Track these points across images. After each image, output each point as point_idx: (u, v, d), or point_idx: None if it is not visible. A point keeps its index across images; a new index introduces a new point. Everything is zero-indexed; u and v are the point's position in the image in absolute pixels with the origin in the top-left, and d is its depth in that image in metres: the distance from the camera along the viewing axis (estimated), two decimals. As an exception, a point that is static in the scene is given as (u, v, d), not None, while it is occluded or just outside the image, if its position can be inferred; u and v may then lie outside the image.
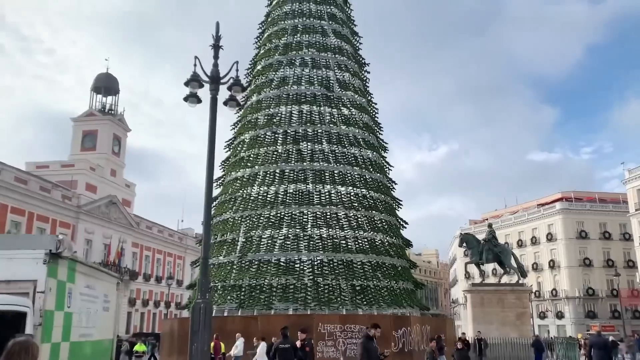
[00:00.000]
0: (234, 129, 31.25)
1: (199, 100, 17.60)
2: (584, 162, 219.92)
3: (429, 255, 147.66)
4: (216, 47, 17.85)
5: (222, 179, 30.23)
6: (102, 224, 62.28)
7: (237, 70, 17.64)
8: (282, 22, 32.00)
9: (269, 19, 33.18)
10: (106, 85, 72.08)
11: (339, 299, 24.54)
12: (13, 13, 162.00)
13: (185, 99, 17.70)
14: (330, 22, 32.09)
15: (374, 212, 27.80)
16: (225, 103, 17.87)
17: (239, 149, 29.66)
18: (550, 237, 72.94)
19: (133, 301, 65.23)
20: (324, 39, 31.11)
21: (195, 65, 17.50)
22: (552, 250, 72.92)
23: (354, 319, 23.03)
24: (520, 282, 35.71)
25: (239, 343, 20.25)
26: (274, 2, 33.59)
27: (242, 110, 31.46)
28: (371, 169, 29.10)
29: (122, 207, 66.00)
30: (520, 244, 76.71)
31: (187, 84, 17.28)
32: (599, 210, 73.74)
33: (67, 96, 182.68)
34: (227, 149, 30.96)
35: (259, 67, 31.57)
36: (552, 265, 71.86)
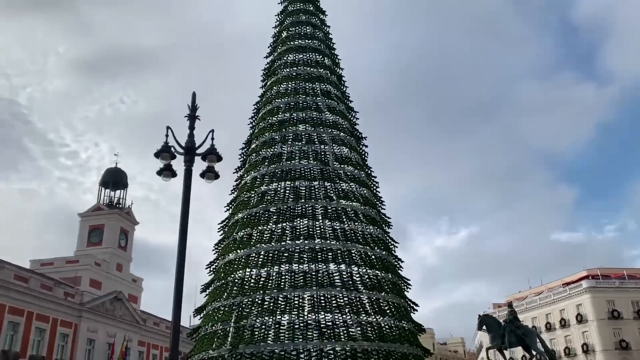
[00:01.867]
0: (228, 210, 29.78)
1: (173, 174, 16.22)
2: (609, 241, 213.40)
3: (455, 344, 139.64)
4: (192, 117, 16.77)
5: (215, 263, 28.28)
6: (106, 321, 59.51)
7: (212, 139, 16.41)
8: (276, 101, 31.56)
9: (263, 99, 32.83)
10: (115, 179, 72.27)
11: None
12: (41, 120, 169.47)
13: (159, 173, 16.34)
14: (325, 99, 31.57)
15: (379, 293, 25.36)
16: (202, 175, 16.46)
17: (232, 230, 27.98)
18: (580, 319, 68.04)
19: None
20: (318, 114, 30.41)
21: (167, 135, 16.32)
22: (584, 332, 67.73)
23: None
24: (550, 367, 31.89)
25: None
26: (268, 82, 33.41)
27: (237, 191, 30.21)
28: (374, 246, 27.00)
29: (128, 303, 63.44)
30: (549, 327, 71.59)
31: (157, 155, 15.97)
32: (630, 287, 69.29)
33: (88, 196, 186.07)
34: (221, 231, 29.31)
35: (252, 146, 30.69)
36: (586, 349, 66.36)
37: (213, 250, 28.56)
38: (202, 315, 26.56)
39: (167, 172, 16.07)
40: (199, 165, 15.99)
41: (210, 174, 16.37)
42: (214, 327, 25.00)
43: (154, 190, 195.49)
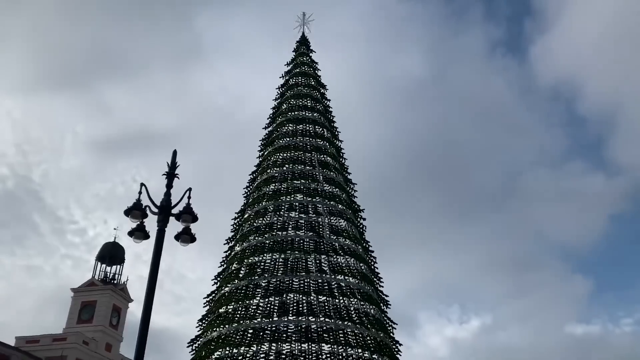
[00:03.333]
0: (215, 282, 27.95)
1: (146, 236, 14.83)
2: (627, 334, 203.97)
3: None
4: (170, 175, 15.62)
5: (198, 340, 26.01)
6: (89, 406, 55.73)
7: (189, 197, 15.17)
8: (272, 170, 30.61)
9: (259, 169, 31.94)
10: (111, 254, 70.31)
11: None
12: (51, 196, 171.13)
13: (130, 234, 14.96)
14: (322, 169, 30.59)
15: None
16: (176, 237, 15.08)
17: (217, 305, 26.02)
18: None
19: None
20: (314, 185, 29.27)
21: (140, 192, 15.12)
22: None
23: None
24: None
25: None
26: (265, 153, 32.68)
27: (227, 262, 28.55)
28: (368, 325, 24.79)
29: (115, 390, 59.62)
30: None
31: (127, 213, 14.69)
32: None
33: (91, 274, 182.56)
34: (206, 304, 27.30)
35: (245, 216, 29.36)
36: None
37: (197, 326, 26.48)
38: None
39: (138, 233, 14.70)
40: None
41: (185, 237, 14.99)
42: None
43: (160, 270, 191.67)
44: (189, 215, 14.73)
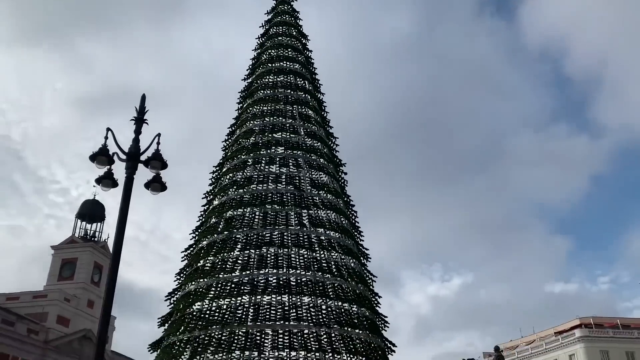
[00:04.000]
0: (194, 236, 27.47)
1: (114, 184, 14.15)
2: (603, 292, 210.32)
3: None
4: (139, 120, 14.81)
5: (176, 294, 25.71)
6: (72, 362, 55.85)
7: (158, 143, 14.45)
8: (251, 122, 29.77)
9: (238, 122, 31.06)
10: (91, 212, 69.30)
11: None
12: (32, 155, 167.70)
13: (98, 182, 14.26)
14: (303, 122, 29.84)
15: (352, 330, 22.88)
16: (146, 186, 14.41)
17: (195, 258, 25.64)
18: (573, 369, 64.83)
19: None
20: (294, 137, 28.57)
21: (106, 137, 14.38)
22: (578, 384, 64.40)
23: None
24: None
25: None
26: (244, 105, 31.73)
27: (205, 216, 28.03)
28: (348, 278, 24.67)
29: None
30: (541, 378, 68.19)
31: (93, 158, 13.93)
32: (625, 337, 66.39)
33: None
34: (184, 258, 26.87)
35: (224, 170, 28.67)
36: (581, 402, 62.87)
37: (174, 279, 26.13)
38: (158, 350, 23.90)
39: (106, 180, 14.04)
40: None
41: (155, 185, 14.36)
42: (166, 365, 22.35)
43: (145, 230, 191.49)
44: (158, 161, 14.09)
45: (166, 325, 24.72)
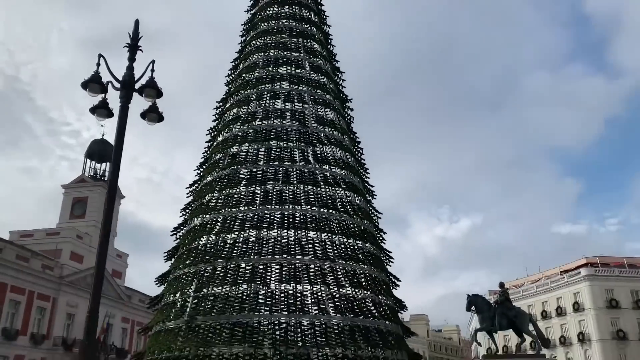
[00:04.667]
0: (198, 173, 27.33)
1: (109, 114, 13.76)
2: (611, 234, 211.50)
3: (449, 331, 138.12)
4: (133, 47, 14.18)
5: (181, 229, 25.87)
6: (87, 296, 57.41)
7: (152, 70, 13.94)
8: (255, 56, 28.87)
9: (241, 55, 30.15)
10: (100, 151, 69.61)
11: (306, 373, 19.33)
12: (42, 97, 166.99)
13: (92, 111, 13.86)
14: (309, 56, 28.87)
15: (355, 264, 22.99)
16: (142, 116, 14.02)
17: (200, 194, 25.58)
18: (577, 307, 65.86)
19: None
20: (299, 71, 27.71)
21: (98, 64, 13.86)
22: (580, 321, 65.61)
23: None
24: (541, 352, 29.66)
25: None
26: (247, 38, 30.70)
27: (209, 152, 27.75)
28: (353, 214, 24.56)
29: (112, 278, 61.41)
30: (545, 315, 69.48)
31: (84, 86, 13.45)
32: (630, 276, 67.01)
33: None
34: (189, 194, 26.86)
35: (227, 105, 28.11)
36: (582, 338, 64.27)
37: (180, 214, 26.23)
38: (164, 284, 24.31)
39: (101, 110, 13.64)
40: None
41: (152, 115, 13.94)
42: (173, 297, 22.74)
43: (158, 172, 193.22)
44: (152, 89, 13.60)
45: (172, 259, 25.01)
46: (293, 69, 27.69)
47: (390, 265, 26.28)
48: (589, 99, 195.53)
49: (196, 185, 26.88)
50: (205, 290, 21.49)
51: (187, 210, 26.08)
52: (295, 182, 23.73)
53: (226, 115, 27.65)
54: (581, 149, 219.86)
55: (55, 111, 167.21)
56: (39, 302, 50.92)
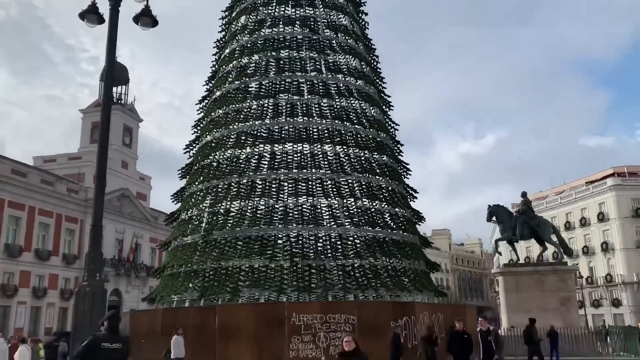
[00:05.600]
0: (208, 86, 26.40)
1: (100, 20, 12.88)
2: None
3: (472, 244, 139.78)
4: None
5: (194, 146, 25.43)
6: (113, 218, 59.21)
7: (147, -30, 12.88)
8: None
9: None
10: (114, 74, 68.56)
11: (322, 283, 19.35)
12: (58, 23, 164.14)
13: (82, 17, 12.98)
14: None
15: (371, 176, 22.40)
16: (135, 20, 13.09)
17: (210, 109, 24.85)
18: (602, 217, 65.19)
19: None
20: (307, -27, 25.77)
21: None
22: (604, 231, 65.19)
23: (339, 307, 17.80)
24: (563, 260, 29.44)
25: (177, 341, 15.52)
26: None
27: (218, 64, 26.66)
28: (368, 126, 23.64)
29: (136, 200, 62.63)
30: (568, 226, 69.15)
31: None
32: (658, 185, 65.53)
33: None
34: (200, 110, 26.16)
35: (234, 14, 26.59)
36: (606, 248, 64.18)
37: (192, 131, 25.71)
38: (180, 200, 24.27)
39: (91, 15, 12.77)
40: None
41: (145, 19, 13.01)
42: (189, 213, 22.71)
43: (177, 96, 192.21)
44: (141, -9, 12.58)
45: (187, 177, 24.80)
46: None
47: (408, 178, 25.69)
48: (623, 7, 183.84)
49: (206, 100, 26.07)
50: (220, 205, 21.31)
51: (199, 127, 25.48)
52: (306, 93, 22.73)
53: (233, 25, 26.23)
54: (613, 60, 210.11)
55: (72, 38, 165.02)
56: (67, 225, 52.55)
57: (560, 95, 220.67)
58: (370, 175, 22.37)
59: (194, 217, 22.19)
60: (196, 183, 22.73)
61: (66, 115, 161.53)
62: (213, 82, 26.06)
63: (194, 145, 25.19)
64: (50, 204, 49.64)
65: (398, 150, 25.83)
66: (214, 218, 21.18)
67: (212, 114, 24.23)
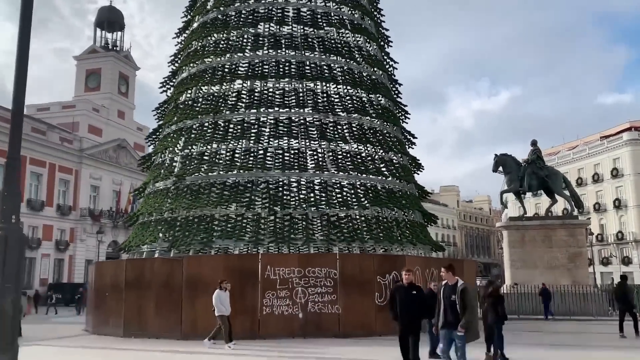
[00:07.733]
0: (186, 16, 23.83)
1: None
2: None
3: (480, 201, 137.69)
4: None
5: (170, 82, 23.08)
6: (110, 169, 57.68)
7: None
8: None
9: None
10: (109, 19, 65.58)
11: (304, 233, 17.39)
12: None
13: None
14: None
15: (362, 117, 20.06)
16: None
17: (187, 41, 22.37)
18: (615, 173, 62.52)
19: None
20: None
21: None
22: (617, 188, 62.64)
23: (319, 260, 15.87)
24: (574, 214, 27.22)
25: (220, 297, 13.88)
26: None
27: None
28: (362, 62, 21.10)
29: (134, 151, 60.80)
30: (580, 182, 66.57)
31: None
32: (677, 140, 62.39)
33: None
34: (177, 43, 23.67)
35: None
36: (618, 204, 61.76)
37: (168, 65, 23.31)
38: (154, 143, 22.19)
39: None
40: None
41: None
42: (162, 157, 20.63)
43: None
44: None
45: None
46: None
47: (407, 123, 23.28)
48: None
49: (185, 31, 23.53)
50: (193, 148, 19.18)
51: (175, 61, 23.07)
52: (290, 22, 20.14)
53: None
54: (633, 13, 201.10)
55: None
56: (61, 175, 51.05)
57: (576, 51, 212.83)
58: (362, 117, 19.99)
59: (167, 161, 20.12)
60: (170, 124, 20.55)
61: (74, 69, 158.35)
62: (191, 11, 23.45)
63: (173, 82, 22.85)
64: (43, 153, 48.05)
65: (396, 91, 23.33)
66: (187, 162, 19.10)
67: (190, 47, 21.78)
